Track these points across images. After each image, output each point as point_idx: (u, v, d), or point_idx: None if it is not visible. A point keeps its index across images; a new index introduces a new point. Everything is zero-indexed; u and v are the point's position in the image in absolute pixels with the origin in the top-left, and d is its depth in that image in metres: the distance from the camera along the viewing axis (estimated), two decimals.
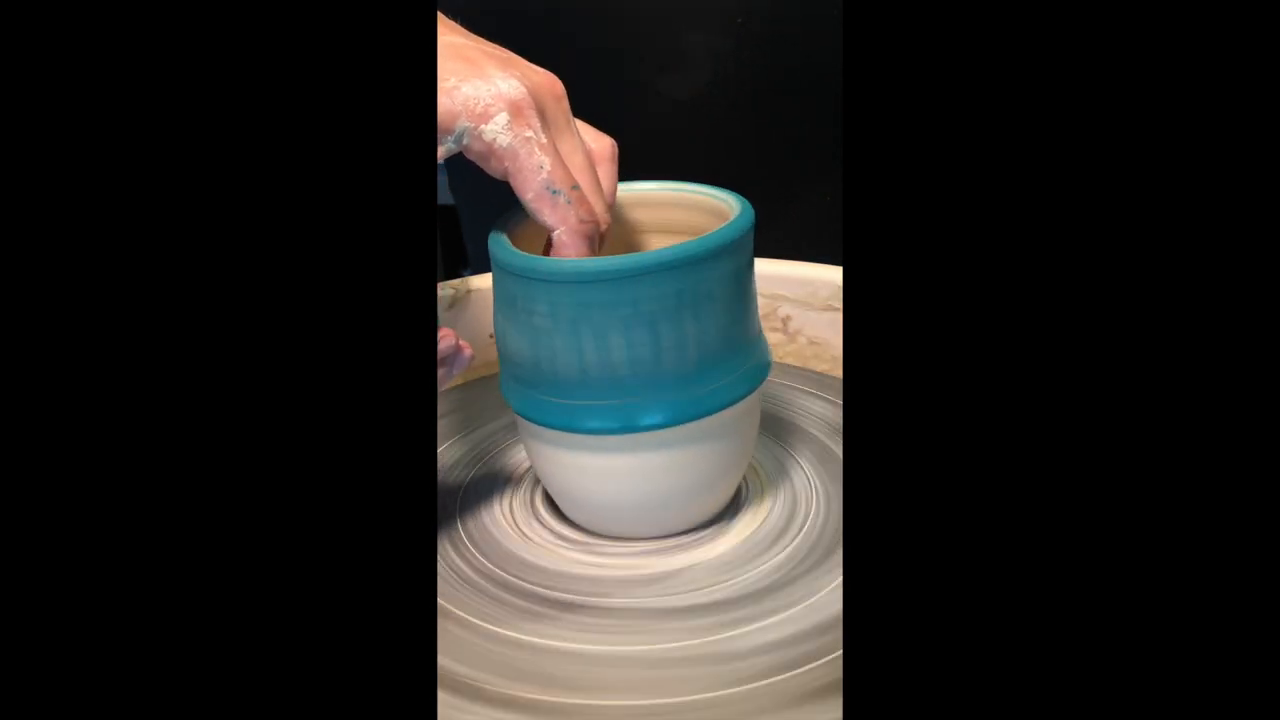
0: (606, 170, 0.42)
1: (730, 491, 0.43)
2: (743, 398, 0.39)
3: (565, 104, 0.40)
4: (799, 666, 0.34)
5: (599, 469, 0.39)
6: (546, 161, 0.37)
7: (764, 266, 0.60)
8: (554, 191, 0.37)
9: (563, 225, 0.37)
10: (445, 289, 0.61)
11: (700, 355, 0.37)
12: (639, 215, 0.46)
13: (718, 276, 0.37)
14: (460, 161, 0.38)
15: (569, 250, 0.38)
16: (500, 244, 0.39)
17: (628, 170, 0.48)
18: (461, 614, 0.38)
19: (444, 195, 0.98)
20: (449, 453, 0.50)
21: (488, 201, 0.39)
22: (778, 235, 0.67)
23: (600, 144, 0.43)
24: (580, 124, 0.43)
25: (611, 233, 0.41)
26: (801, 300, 0.60)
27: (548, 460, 0.41)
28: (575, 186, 0.38)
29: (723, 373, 0.38)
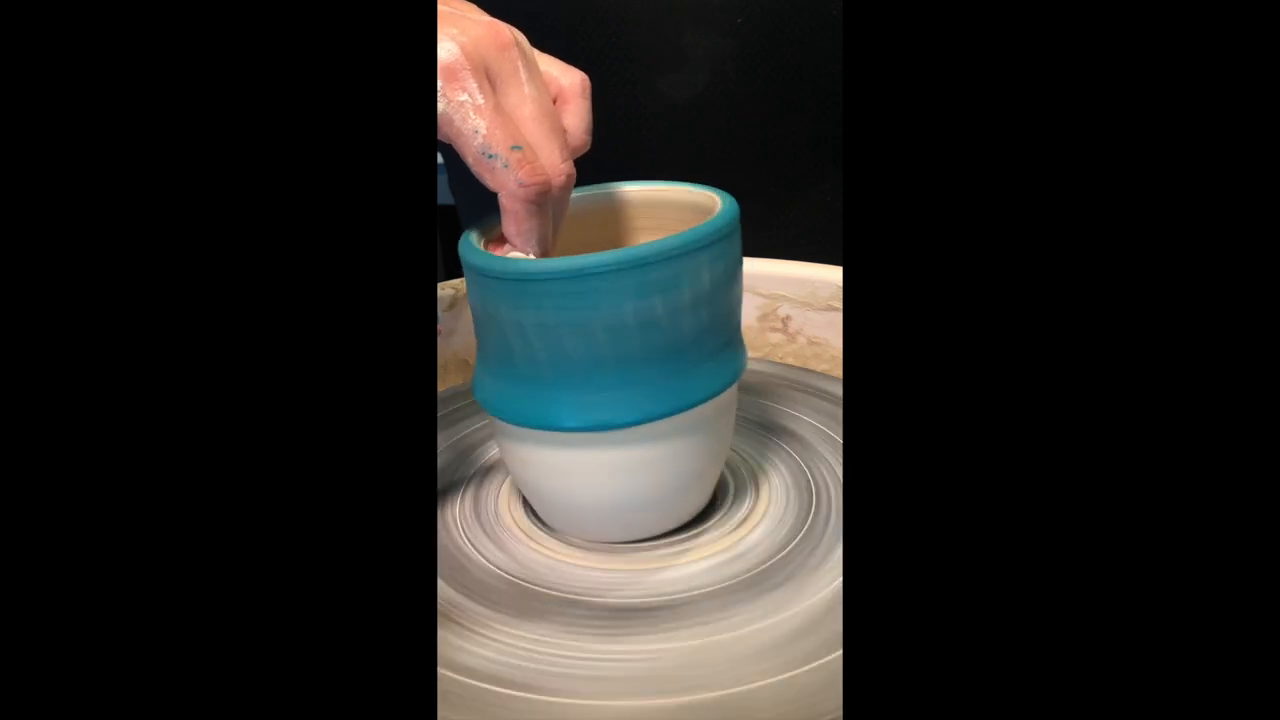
0: (575, 108, 0.40)
1: (708, 492, 0.43)
2: (717, 394, 0.39)
3: (512, 52, 0.37)
4: (786, 671, 0.34)
5: (572, 467, 0.39)
6: (482, 125, 0.35)
7: (764, 266, 0.61)
8: (489, 156, 0.35)
9: (501, 190, 0.36)
10: (445, 289, 0.61)
11: (672, 351, 0.37)
12: (630, 214, 0.46)
13: (683, 274, 0.36)
14: (460, 161, 0.38)
15: (509, 216, 0.37)
16: (466, 242, 0.39)
17: (629, 171, 0.48)
18: (455, 612, 0.38)
19: (444, 195, 0.98)
20: (446, 453, 0.50)
21: (488, 202, 0.38)
22: (778, 235, 0.67)
23: (570, 79, 0.40)
24: (548, 60, 0.40)
25: (573, 185, 0.39)
26: (801, 300, 0.60)
27: (520, 459, 0.41)
28: (516, 147, 0.36)
29: (697, 369, 0.38)
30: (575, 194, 0.46)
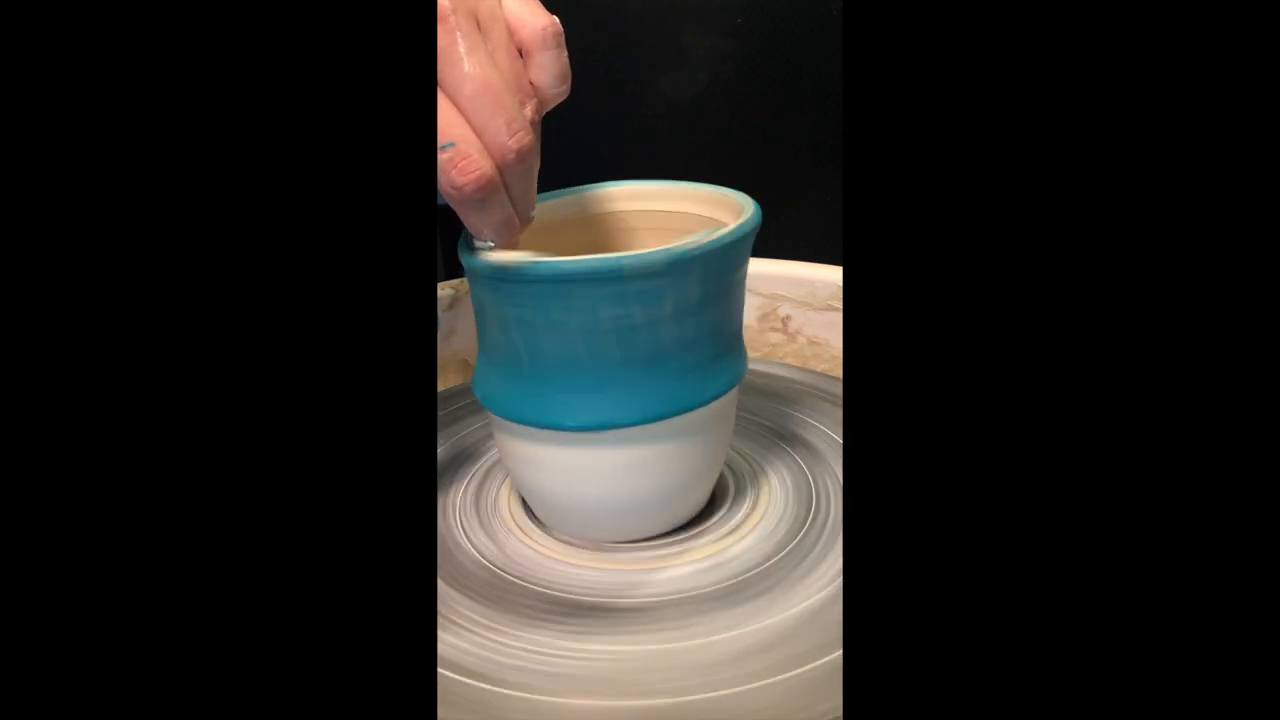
0: (539, 61, 0.36)
1: (705, 495, 0.43)
2: (710, 401, 0.39)
3: (449, 24, 0.33)
4: (785, 670, 0.34)
5: (571, 467, 0.39)
6: None
7: (764, 266, 0.61)
8: None
9: (443, 192, 0.34)
10: (445, 289, 0.61)
11: (673, 354, 0.37)
12: (651, 207, 0.46)
13: (667, 285, 0.36)
14: None
15: (459, 214, 0.35)
16: (461, 241, 0.39)
17: (629, 171, 0.47)
18: (454, 613, 0.38)
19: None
20: (446, 451, 0.50)
21: None
22: (778, 235, 0.67)
23: (533, 25, 0.36)
24: (516, 2, 0.36)
25: (533, 152, 0.36)
26: (801, 300, 0.60)
27: (519, 458, 0.41)
28: (446, 145, 0.33)
29: (698, 371, 0.38)
30: (599, 189, 0.46)
